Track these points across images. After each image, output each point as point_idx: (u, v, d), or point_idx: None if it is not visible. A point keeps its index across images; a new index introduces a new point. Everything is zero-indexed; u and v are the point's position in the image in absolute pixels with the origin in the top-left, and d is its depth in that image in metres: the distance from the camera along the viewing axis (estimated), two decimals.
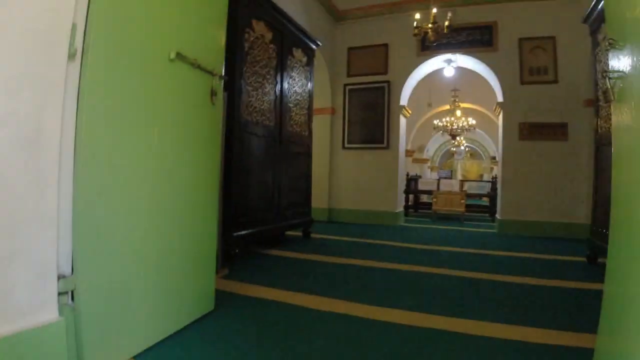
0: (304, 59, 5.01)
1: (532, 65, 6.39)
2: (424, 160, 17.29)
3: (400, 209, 7.34)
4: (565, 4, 6.30)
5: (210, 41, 2.21)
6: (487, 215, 9.08)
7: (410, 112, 7.59)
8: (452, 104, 10.44)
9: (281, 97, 4.38)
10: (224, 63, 2.34)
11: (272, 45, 4.24)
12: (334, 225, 6.71)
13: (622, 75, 1.33)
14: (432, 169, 19.73)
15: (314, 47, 5.31)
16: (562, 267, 3.89)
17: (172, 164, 1.89)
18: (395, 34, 7.03)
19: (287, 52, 4.58)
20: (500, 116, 6.69)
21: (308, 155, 5.09)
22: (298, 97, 4.80)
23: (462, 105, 11.08)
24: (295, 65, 4.77)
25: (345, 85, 7.31)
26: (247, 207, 3.75)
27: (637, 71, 1.19)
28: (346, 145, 7.27)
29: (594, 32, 4.25)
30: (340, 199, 7.32)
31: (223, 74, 2.31)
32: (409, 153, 13.19)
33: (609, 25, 1.53)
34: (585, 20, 4.40)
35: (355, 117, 7.21)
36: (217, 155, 2.35)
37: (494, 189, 8.91)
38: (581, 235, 5.94)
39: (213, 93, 2.18)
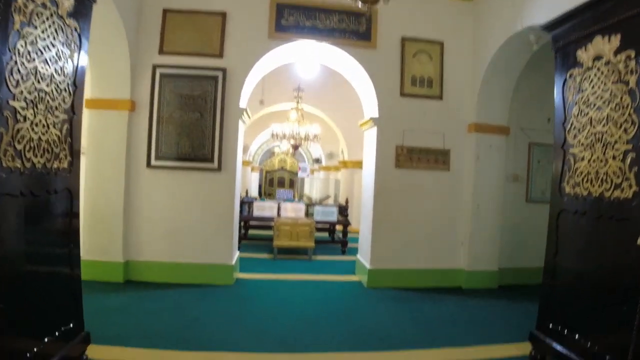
0: (68, 3, 2.31)
1: (415, 73, 4.95)
2: (247, 163, 15.30)
3: (236, 256, 5.09)
4: (456, 5, 5.05)
5: None
6: (334, 243, 7.57)
7: (250, 116, 5.39)
8: (296, 108, 8.60)
9: None
10: None
11: None
12: (130, 295, 4.08)
13: None
14: (252, 169, 17.91)
15: None
16: None
17: None
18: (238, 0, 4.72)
19: None
20: (373, 134, 5.08)
21: (69, 208, 2.42)
22: (44, 88, 2.10)
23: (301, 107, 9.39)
24: (40, 15, 2.06)
25: (155, 67, 4.62)
26: None
27: None
28: (154, 162, 4.63)
29: (567, 47, 2.84)
30: (143, 248, 4.64)
31: None
32: None
33: None
34: (551, 27, 2.98)
35: (170, 118, 4.62)
36: None
37: (344, 214, 7.45)
38: (455, 282, 5.08)
39: None
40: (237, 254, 5.17)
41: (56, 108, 2.23)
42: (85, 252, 4.48)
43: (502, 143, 5.11)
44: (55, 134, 2.23)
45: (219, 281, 4.66)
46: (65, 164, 2.34)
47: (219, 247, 4.71)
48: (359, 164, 10.27)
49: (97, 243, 4.48)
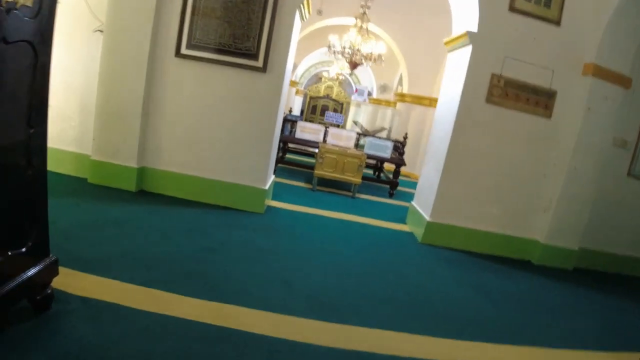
0: None
1: None
2: (293, 84, 14.21)
3: (271, 180, 4.30)
4: None
5: None
6: (382, 183, 6.65)
7: (310, 12, 4.31)
8: (361, 18, 7.34)
9: None
10: None
11: None
12: (137, 208, 3.38)
13: None
14: (297, 92, 16.85)
15: None
16: None
17: None
18: None
19: None
20: (463, 56, 3.95)
21: (30, 73, 1.56)
22: None
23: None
24: None
25: None
26: None
27: None
28: (184, 50, 3.71)
29: None
30: (162, 154, 3.88)
31: None
32: None
33: None
34: None
35: (209, 1, 3.64)
36: None
37: (400, 152, 6.45)
38: (525, 255, 4.19)
39: None
40: (272, 177, 4.37)
41: None
42: (95, 151, 3.78)
43: (619, 97, 3.91)
44: None
45: (247, 207, 3.92)
46: (28, 2, 1.45)
47: (253, 166, 3.89)
48: (418, 100, 9.06)
49: (108, 141, 3.76)
